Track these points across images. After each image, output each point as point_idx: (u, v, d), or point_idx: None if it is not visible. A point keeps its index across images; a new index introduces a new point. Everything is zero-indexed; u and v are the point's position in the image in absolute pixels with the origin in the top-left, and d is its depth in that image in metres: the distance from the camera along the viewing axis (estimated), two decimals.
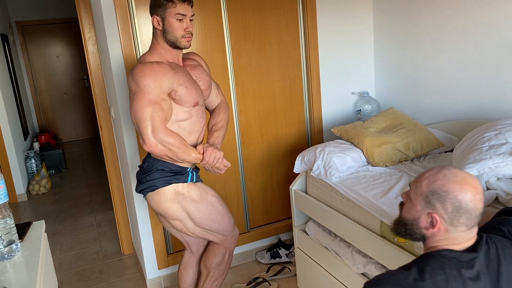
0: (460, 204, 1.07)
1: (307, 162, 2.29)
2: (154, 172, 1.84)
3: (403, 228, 1.18)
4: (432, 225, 1.11)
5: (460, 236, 1.10)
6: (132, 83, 1.71)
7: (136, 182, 1.96)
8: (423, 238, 1.15)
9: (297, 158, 2.35)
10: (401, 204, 1.23)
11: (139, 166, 1.95)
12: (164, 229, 2.69)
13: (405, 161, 2.25)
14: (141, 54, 2.42)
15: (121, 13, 2.32)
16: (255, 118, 2.79)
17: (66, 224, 3.93)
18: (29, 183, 4.98)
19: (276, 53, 2.76)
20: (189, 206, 1.88)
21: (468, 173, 1.13)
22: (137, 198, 2.58)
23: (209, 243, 2.12)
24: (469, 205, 1.07)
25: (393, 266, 1.70)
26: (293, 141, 2.94)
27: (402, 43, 2.77)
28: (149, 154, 1.90)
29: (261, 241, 2.97)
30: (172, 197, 1.85)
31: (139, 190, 1.89)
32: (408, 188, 1.21)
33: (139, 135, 1.74)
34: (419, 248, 1.56)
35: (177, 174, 1.85)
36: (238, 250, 2.91)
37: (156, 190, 1.84)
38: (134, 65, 1.81)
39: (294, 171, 2.38)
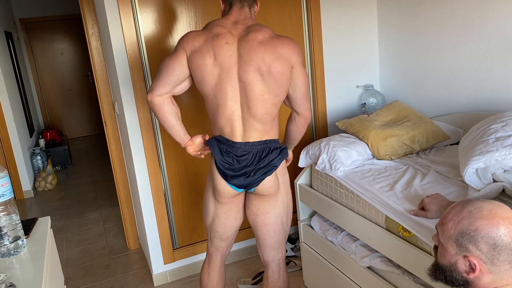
0: (495, 241, 0.98)
1: (312, 156, 2.28)
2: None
3: (442, 275, 1.08)
4: (472, 269, 1.02)
5: (506, 275, 1.00)
6: (301, 58, 1.71)
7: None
8: (466, 283, 1.05)
9: (302, 152, 2.34)
10: (435, 248, 1.14)
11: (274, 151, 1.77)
12: (169, 224, 2.70)
13: (410, 154, 2.24)
14: (144, 50, 2.42)
15: (124, 8, 2.31)
16: None
17: (72, 220, 3.95)
18: (35, 180, 5.01)
19: None
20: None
21: (494, 202, 1.04)
22: (143, 193, 2.58)
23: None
24: (505, 239, 0.98)
25: (398, 259, 1.69)
26: None
27: (407, 35, 2.75)
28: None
29: None
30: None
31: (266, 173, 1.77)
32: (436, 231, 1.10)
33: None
34: (423, 242, 1.55)
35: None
36: (243, 244, 2.91)
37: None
38: (291, 41, 1.69)
39: (298, 165, 2.37)
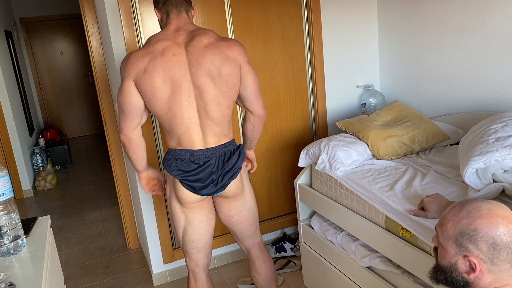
0: (494, 240, 0.98)
1: (312, 156, 2.28)
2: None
3: (443, 276, 1.08)
4: (472, 268, 1.02)
5: (506, 275, 1.00)
6: (247, 57, 1.76)
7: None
8: (467, 284, 1.05)
9: (302, 152, 2.34)
10: (435, 249, 1.14)
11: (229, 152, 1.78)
12: (169, 223, 2.70)
13: (410, 154, 2.24)
14: None
15: (124, 8, 2.31)
16: None
17: (72, 219, 3.95)
18: (35, 179, 5.01)
19: (279, 46, 2.74)
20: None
21: (492, 202, 1.04)
22: (143, 193, 2.58)
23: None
24: (504, 238, 0.98)
25: (398, 259, 1.69)
26: (297, 135, 2.93)
27: (407, 35, 2.75)
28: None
29: (266, 235, 2.97)
30: None
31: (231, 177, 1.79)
32: (435, 232, 1.10)
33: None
34: (423, 243, 1.55)
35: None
36: None
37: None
38: (237, 42, 1.72)
39: (298, 165, 2.37)
